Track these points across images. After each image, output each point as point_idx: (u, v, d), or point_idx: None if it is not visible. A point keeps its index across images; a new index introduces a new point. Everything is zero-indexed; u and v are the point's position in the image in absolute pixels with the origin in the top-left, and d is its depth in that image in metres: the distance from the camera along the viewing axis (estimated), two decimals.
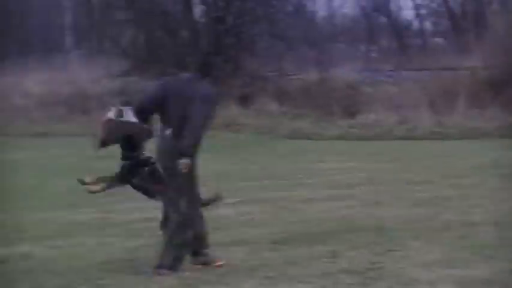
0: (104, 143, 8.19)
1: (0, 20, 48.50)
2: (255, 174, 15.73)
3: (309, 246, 9.05)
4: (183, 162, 7.68)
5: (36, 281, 7.73)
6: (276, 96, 27.01)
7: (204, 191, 11.25)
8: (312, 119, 24.80)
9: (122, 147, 8.21)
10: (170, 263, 7.90)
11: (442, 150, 20.22)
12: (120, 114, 8.18)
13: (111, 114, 8.21)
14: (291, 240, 9.38)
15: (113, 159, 8.44)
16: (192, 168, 7.91)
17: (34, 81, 30.90)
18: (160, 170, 8.10)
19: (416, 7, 39.57)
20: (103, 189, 8.29)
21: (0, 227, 10.16)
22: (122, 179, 8.26)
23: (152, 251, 8.95)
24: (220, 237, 9.58)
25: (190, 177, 7.95)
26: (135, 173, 8.21)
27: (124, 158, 8.23)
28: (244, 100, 26.80)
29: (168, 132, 7.97)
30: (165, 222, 8.16)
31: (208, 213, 11.18)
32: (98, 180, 8.29)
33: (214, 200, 8.64)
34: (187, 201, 7.93)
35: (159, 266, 7.89)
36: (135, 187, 8.37)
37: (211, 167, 16.85)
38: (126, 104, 8.34)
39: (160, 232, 8.86)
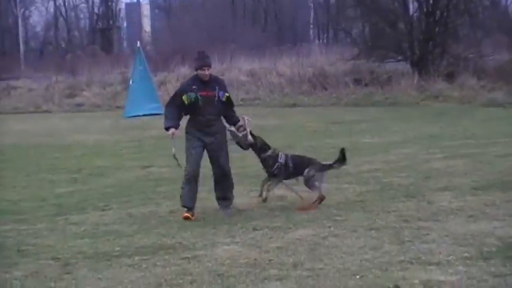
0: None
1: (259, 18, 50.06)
2: (458, 135, 15.34)
3: (503, 192, 8.78)
4: None
5: (288, 216, 8.04)
6: (475, 73, 26.35)
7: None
8: (504, 91, 23.85)
9: None
10: None
11: None
12: None
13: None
14: (488, 186, 9.13)
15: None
16: None
17: (285, 64, 31.47)
18: None
19: None
20: None
21: None
22: None
23: (377, 195, 9.06)
24: (432, 184, 9.52)
25: None
26: None
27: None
28: (450, 77, 26.34)
29: None
30: None
31: (421, 166, 11.16)
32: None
33: None
34: None
35: None
36: None
37: (424, 130, 16.68)
38: None
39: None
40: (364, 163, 11.73)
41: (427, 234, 6.92)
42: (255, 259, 6.31)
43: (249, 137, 8.42)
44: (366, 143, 14.83)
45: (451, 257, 6.14)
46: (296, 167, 8.51)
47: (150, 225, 7.90)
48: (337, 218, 7.78)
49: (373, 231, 7.12)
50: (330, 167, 8.61)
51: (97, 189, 10.79)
